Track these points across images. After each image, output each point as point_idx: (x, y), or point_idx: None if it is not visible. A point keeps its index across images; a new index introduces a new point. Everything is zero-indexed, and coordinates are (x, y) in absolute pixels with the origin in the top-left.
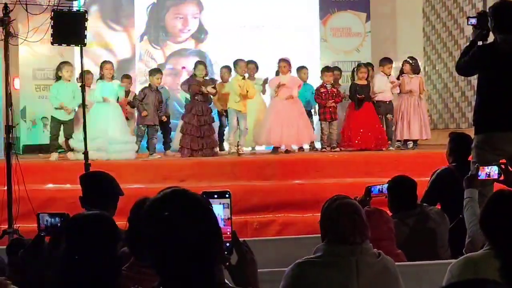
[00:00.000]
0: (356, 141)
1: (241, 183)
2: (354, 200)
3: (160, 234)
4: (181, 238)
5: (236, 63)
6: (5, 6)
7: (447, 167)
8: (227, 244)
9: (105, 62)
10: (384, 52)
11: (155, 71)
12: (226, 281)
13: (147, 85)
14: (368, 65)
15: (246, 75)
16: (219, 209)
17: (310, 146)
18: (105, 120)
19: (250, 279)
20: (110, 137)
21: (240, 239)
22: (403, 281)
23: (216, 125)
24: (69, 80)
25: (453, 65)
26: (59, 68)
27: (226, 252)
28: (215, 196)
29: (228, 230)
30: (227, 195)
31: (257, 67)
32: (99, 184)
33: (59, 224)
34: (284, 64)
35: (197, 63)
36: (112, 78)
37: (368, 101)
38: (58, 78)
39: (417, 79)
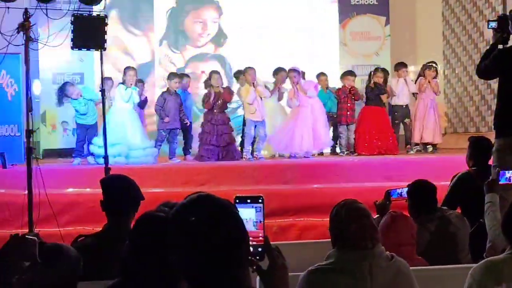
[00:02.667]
0: (366, 145)
1: (260, 187)
2: (362, 204)
3: (187, 239)
4: (208, 243)
5: (245, 71)
6: (26, 11)
7: (467, 171)
8: (259, 249)
9: (128, 68)
10: (403, 56)
11: (173, 75)
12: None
13: (165, 90)
14: (385, 71)
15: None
16: (251, 213)
17: (331, 150)
18: (123, 125)
19: (280, 284)
20: (130, 143)
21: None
22: (424, 286)
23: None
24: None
25: (473, 69)
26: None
27: (257, 257)
28: (248, 200)
29: (260, 234)
30: (260, 200)
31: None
32: (120, 188)
33: None
34: (293, 74)
35: (212, 73)
36: (131, 84)
37: (380, 106)
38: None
39: (435, 82)
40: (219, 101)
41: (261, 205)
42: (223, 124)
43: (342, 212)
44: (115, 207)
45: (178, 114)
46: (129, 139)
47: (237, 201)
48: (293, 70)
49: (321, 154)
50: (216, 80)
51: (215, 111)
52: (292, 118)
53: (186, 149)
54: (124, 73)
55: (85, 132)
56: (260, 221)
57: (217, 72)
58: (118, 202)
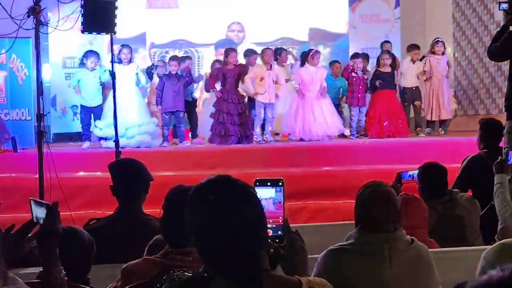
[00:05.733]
0: (376, 126)
1: (271, 170)
2: (389, 187)
3: (205, 218)
4: (226, 222)
5: (263, 51)
6: None
7: (478, 154)
8: (279, 232)
9: (123, 46)
10: (413, 38)
11: (171, 59)
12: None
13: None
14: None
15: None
16: (272, 192)
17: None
18: (120, 107)
19: (299, 267)
20: (127, 123)
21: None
22: (436, 267)
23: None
24: (94, 69)
25: (483, 51)
26: (85, 55)
27: (277, 240)
28: (268, 183)
29: (280, 215)
30: (280, 183)
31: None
32: (128, 172)
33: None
34: (318, 55)
35: (229, 50)
36: (130, 62)
37: (391, 89)
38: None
39: (445, 59)
40: (230, 79)
41: (281, 187)
42: (239, 102)
43: (367, 193)
44: (126, 191)
45: (181, 96)
46: (125, 118)
47: (257, 184)
48: (318, 51)
49: (330, 137)
50: (234, 58)
51: (227, 87)
52: (297, 103)
53: (193, 131)
54: (119, 51)
55: (89, 115)
56: (280, 202)
57: (234, 50)
58: (128, 185)
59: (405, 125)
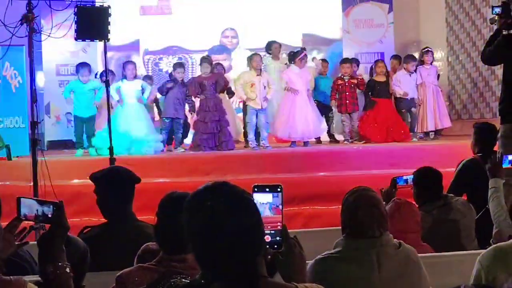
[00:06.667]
0: (383, 131)
1: (266, 176)
2: (374, 192)
3: (202, 224)
4: (223, 228)
5: (251, 57)
6: (29, 3)
7: (472, 158)
8: (277, 238)
9: (127, 62)
10: (407, 43)
11: (177, 65)
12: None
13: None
14: (395, 57)
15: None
16: (268, 197)
17: (330, 138)
18: (126, 122)
19: (297, 273)
20: (133, 139)
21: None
22: (430, 272)
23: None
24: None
25: (477, 55)
26: (77, 70)
27: (275, 246)
28: (267, 189)
29: (278, 220)
30: (279, 189)
31: (280, 46)
32: (112, 184)
33: (50, 215)
34: (306, 58)
35: (201, 60)
36: (135, 77)
37: (386, 98)
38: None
39: (434, 68)
40: (208, 87)
41: (279, 193)
42: (217, 110)
43: (352, 199)
44: (114, 205)
45: (182, 104)
46: (132, 135)
47: (256, 189)
48: (306, 55)
49: (319, 142)
50: (205, 69)
51: (206, 96)
52: (288, 103)
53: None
54: (123, 67)
55: (82, 125)
56: (277, 206)
57: (206, 59)
58: (116, 198)
59: (406, 130)
